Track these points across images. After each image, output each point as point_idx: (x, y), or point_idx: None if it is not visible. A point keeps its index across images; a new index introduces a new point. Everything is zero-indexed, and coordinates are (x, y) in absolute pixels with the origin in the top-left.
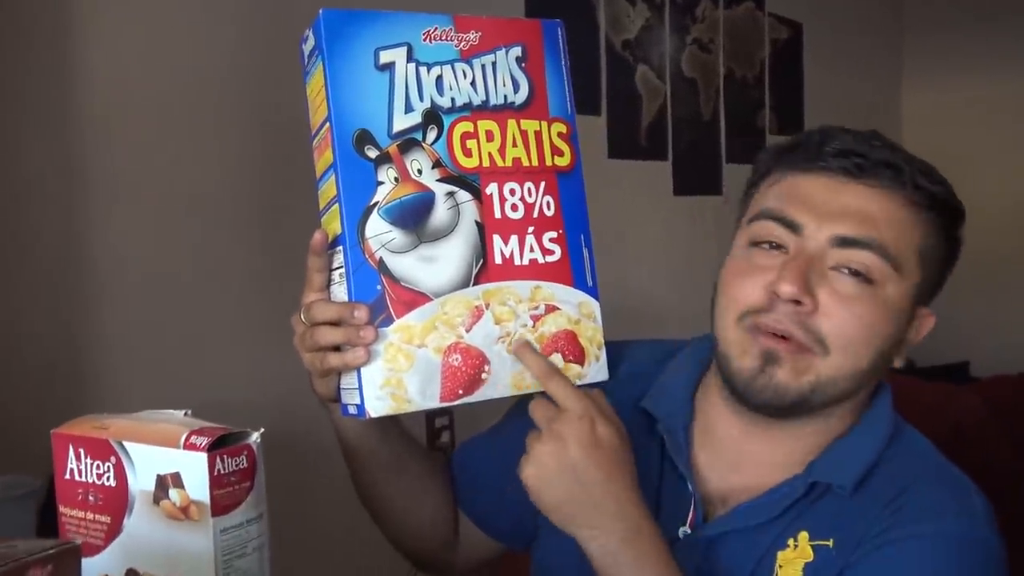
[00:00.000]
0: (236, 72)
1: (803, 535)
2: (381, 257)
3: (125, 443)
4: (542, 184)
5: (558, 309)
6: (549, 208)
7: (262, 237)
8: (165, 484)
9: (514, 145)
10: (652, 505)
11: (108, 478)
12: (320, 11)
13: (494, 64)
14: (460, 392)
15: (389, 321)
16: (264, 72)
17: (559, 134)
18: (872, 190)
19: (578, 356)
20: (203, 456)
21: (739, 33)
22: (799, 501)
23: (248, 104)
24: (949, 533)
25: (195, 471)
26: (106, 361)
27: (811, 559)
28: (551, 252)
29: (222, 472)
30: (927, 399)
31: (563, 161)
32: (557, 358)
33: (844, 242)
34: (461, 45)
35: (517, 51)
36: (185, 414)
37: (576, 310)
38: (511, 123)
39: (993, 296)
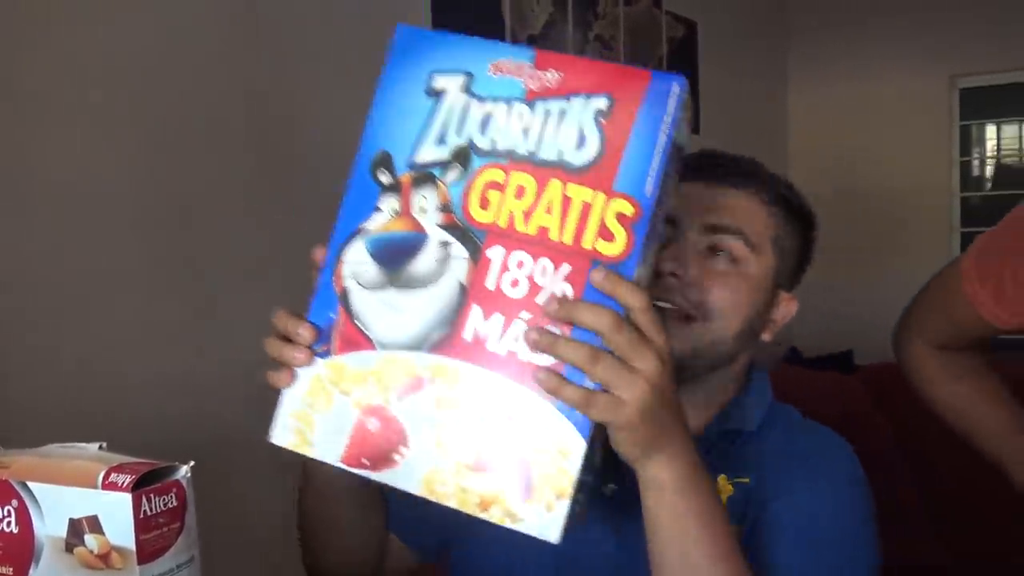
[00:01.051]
0: (147, 63)
1: (722, 478)
2: (347, 287)
3: (30, 483)
4: (564, 267)
5: None
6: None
7: (168, 237)
8: (80, 529)
9: (548, 211)
10: None
11: (9, 524)
12: (397, 25)
13: (563, 112)
14: (364, 462)
15: (327, 354)
16: (176, 65)
17: (618, 214)
18: (735, 190)
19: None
20: (127, 497)
21: (639, 30)
22: (713, 449)
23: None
24: (848, 476)
25: (117, 514)
26: None
27: (732, 493)
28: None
29: (149, 514)
30: (815, 388)
31: (610, 249)
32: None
33: (713, 229)
34: (531, 84)
35: (601, 103)
36: (100, 447)
37: None
38: (554, 184)
39: (874, 287)
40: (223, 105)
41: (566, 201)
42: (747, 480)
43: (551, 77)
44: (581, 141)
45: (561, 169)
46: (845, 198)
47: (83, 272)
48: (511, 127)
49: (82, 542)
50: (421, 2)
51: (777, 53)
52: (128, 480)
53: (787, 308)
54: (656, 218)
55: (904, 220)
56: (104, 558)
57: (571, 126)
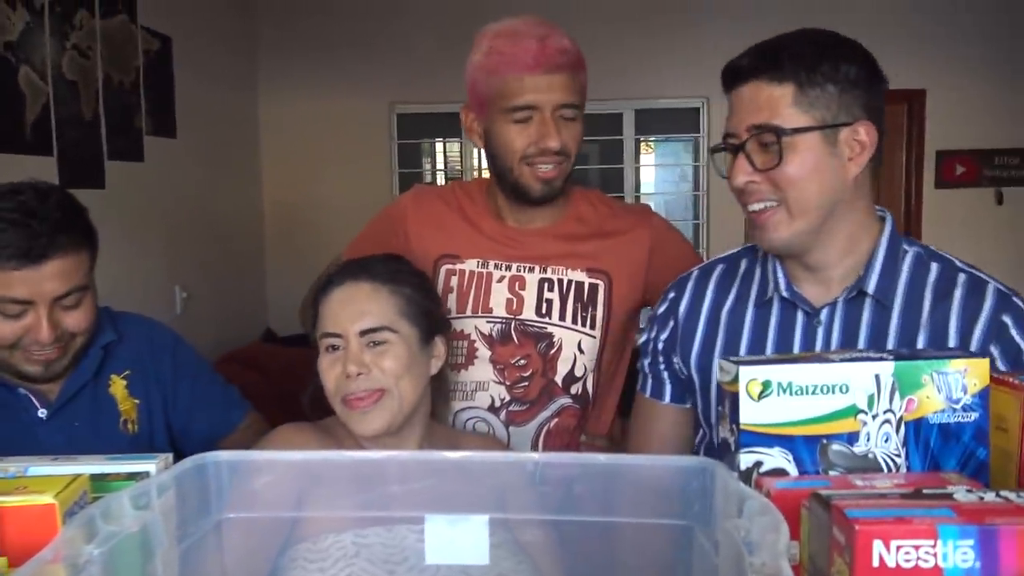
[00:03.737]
0: None
1: (114, 376)
2: None
3: None
4: None
5: None
6: None
7: None
8: None
9: None
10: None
11: None
12: None
13: None
14: None
15: None
16: None
17: None
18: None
19: None
20: None
21: (115, 42)
22: (100, 357)
23: None
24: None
25: None
26: None
27: (127, 383)
28: None
29: None
30: (287, 360)
31: None
32: None
33: None
34: None
35: None
36: None
37: None
38: None
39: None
40: None
41: None
42: (129, 372)
43: None
44: None
45: None
46: (312, 204)
47: None
48: None
49: None
50: None
51: (248, 67)
52: None
53: None
54: None
55: (356, 221)
56: None
57: None
